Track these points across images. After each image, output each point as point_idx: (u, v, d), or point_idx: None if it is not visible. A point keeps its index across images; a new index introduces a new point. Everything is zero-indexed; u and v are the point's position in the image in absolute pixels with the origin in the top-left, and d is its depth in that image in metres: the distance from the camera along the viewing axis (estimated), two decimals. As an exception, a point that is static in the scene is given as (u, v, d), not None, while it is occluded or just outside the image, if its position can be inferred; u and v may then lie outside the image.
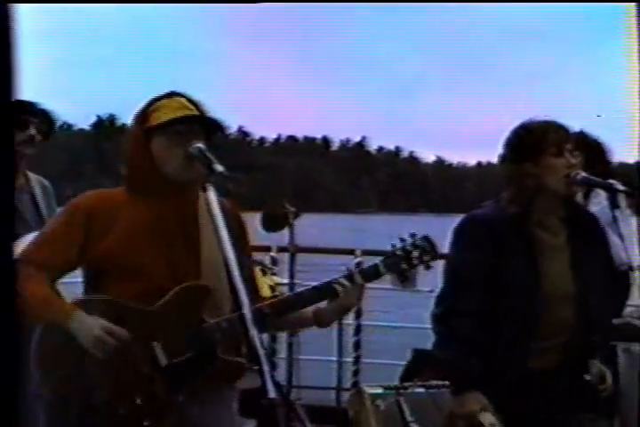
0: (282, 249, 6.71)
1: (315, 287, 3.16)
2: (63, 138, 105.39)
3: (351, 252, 7.21)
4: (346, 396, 5.61)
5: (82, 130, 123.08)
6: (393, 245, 3.19)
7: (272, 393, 2.46)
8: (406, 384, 5.12)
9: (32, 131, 4.35)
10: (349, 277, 3.16)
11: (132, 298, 2.97)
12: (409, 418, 4.78)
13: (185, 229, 3.10)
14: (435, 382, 4.88)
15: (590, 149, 4.76)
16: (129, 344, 2.91)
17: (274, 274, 6.02)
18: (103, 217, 3.02)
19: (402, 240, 3.19)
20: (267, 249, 7.00)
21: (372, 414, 4.86)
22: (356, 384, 6.72)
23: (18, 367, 1.43)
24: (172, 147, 3.03)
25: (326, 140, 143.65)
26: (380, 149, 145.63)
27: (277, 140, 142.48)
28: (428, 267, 3.21)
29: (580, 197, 3.64)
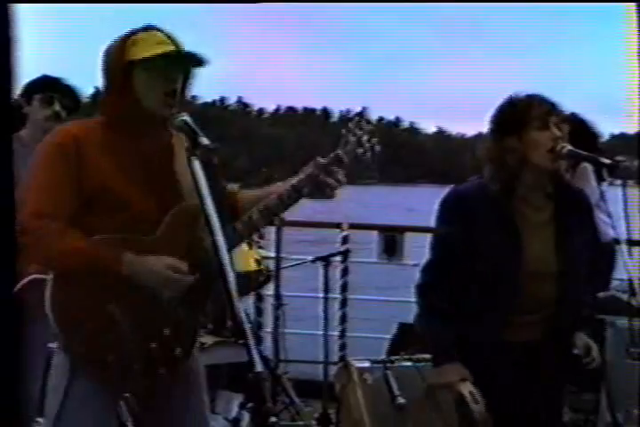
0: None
1: (292, 186, 3.11)
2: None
3: (337, 225, 7.21)
4: (333, 370, 5.62)
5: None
6: (344, 134, 3.16)
7: (259, 367, 2.45)
8: (393, 358, 5.14)
9: (57, 107, 4.45)
10: (318, 168, 3.12)
11: (122, 229, 2.97)
12: (396, 392, 4.79)
13: (165, 160, 3.11)
14: (421, 356, 4.90)
15: (574, 125, 4.76)
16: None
17: (260, 247, 6.01)
18: (89, 151, 2.97)
19: (348, 129, 3.16)
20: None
21: (359, 387, 4.87)
22: (343, 358, 6.74)
23: (18, 363, 1.41)
24: (154, 82, 3.01)
25: (326, 111, 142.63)
26: (380, 119, 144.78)
27: (276, 111, 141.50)
28: (373, 152, 3.19)
29: (590, 171, 3.62)
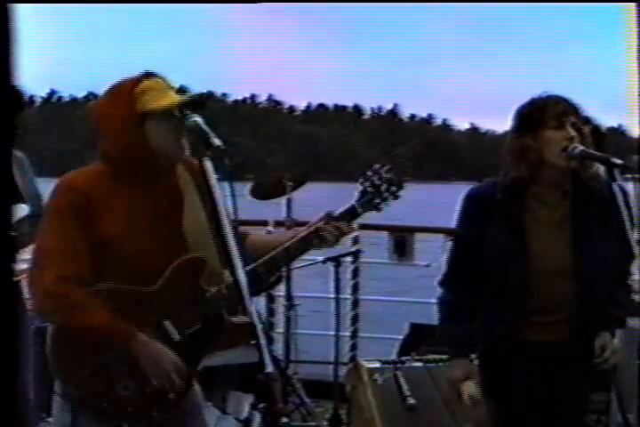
0: (278, 223, 6.71)
1: (301, 238, 3.14)
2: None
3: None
4: (343, 370, 5.62)
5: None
6: (361, 182, 3.18)
7: (269, 368, 2.46)
8: (404, 359, 5.14)
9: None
10: (326, 219, 3.15)
11: (131, 282, 2.98)
12: (407, 392, 4.80)
13: (170, 209, 3.10)
14: (432, 357, 4.90)
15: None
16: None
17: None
18: (97, 205, 2.97)
19: (366, 178, 3.18)
20: (263, 223, 7.00)
21: (369, 388, 4.87)
22: (353, 358, 6.74)
23: (17, 370, 1.42)
24: (171, 129, 3.00)
25: (358, 108, 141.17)
26: (413, 116, 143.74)
27: (308, 108, 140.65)
28: (396, 197, 3.21)
29: (602, 171, 3.59)
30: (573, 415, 3.59)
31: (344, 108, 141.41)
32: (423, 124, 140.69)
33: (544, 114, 3.36)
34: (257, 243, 3.27)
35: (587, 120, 3.56)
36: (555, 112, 3.36)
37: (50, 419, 4.72)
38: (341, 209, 3.18)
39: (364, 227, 7.28)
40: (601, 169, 5.50)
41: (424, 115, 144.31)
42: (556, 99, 3.40)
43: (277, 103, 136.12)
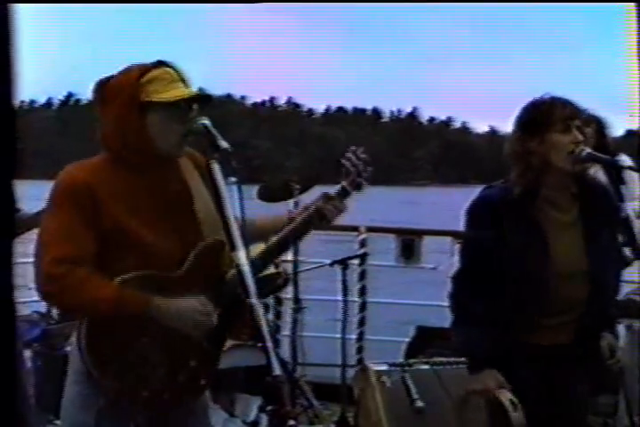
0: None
1: (295, 225, 3.18)
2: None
3: (355, 229, 7.21)
4: (351, 373, 5.62)
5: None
6: (343, 164, 3.26)
7: (277, 370, 2.47)
8: (411, 361, 5.14)
9: None
10: (324, 199, 3.22)
11: (141, 268, 2.98)
12: (414, 395, 4.80)
13: (179, 195, 3.10)
14: (440, 359, 4.90)
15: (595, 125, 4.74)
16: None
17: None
18: (101, 194, 2.95)
19: (347, 159, 3.26)
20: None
21: (377, 390, 4.87)
22: (360, 361, 6.74)
23: (15, 369, 1.42)
24: (172, 124, 2.98)
25: (377, 111, 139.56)
26: (432, 119, 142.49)
27: (326, 111, 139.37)
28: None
29: (601, 174, 3.61)
30: (576, 416, 3.59)
31: (363, 111, 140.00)
32: (442, 127, 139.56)
33: (550, 117, 3.35)
34: (260, 224, 3.28)
35: (590, 120, 3.56)
36: (561, 116, 3.34)
37: (57, 421, 4.74)
38: (334, 190, 3.25)
39: (371, 229, 7.30)
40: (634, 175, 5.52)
41: (443, 117, 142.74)
42: (563, 102, 3.39)
43: (297, 106, 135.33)
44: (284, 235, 3.16)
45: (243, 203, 2.73)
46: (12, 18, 1.34)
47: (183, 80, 3.05)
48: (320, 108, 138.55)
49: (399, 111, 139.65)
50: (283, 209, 6.17)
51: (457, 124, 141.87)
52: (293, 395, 5.59)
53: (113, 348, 2.95)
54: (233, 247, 2.67)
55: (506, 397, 3.33)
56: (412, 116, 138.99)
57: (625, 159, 3.73)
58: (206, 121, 2.91)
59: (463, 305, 3.52)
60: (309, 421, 5.69)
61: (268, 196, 5.99)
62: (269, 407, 5.03)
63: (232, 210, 2.74)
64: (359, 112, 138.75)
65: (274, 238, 3.16)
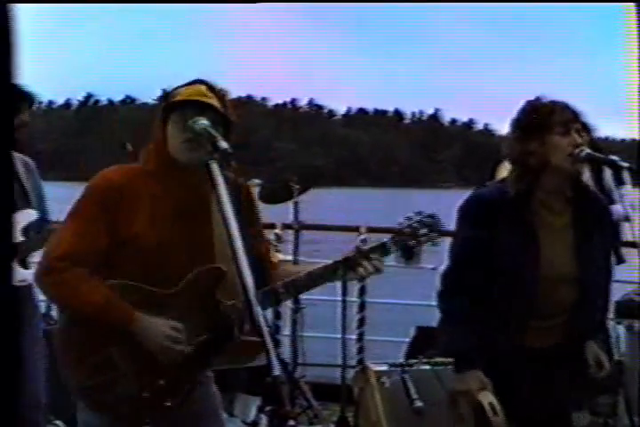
0: (286, 226, 6.72)
1: (325, 266, 3.13)
2: (125, 112, 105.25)
3: (356, 229, 7.21)
4: (351, 373, 5.62)
5: (145, 104, 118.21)
6: (400, 223, 3.17)
7: (277, 371, 2.47)
8: (411, 362, 5.14)
9: (26, 116, 4.37)
10: (359, 254, 3.12)
11: (150, 282, 3.00)
12: (414, 395, 4.79)
13: (197, 210, 3.11)
14: (440, 360, 4.90)
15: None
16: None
17: (278, 251, 6.03)
18: (128, 200, 3.01)
19: (408, 218, 3.17)
20: (271, 226, 7.00)
21: (377, 391, 4.87)
22: (360, 361, 6.74)
23: (17, 368, 1.42)
24: (174, 130, 3.06)
25: (398, 113, 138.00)
26: (454, 121, 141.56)
27: (347, 112, 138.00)
28: (434, 244, 3.19)
29: (588, 177, 3.62)
30: (565, 417, 3.61)
31: (384, 112, 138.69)
32: (464, 129, 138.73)
33: (551, 120, 3.36)
34: (285, 271, 3.27)
35: (586, 128, 3.57)
36: (562, 118, 3.37)
37: (57, 421, 4.75)
38: (371, 244, 3.17)
39: (371, 230, 7.29)
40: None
41: (465, 119, 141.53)
42: (563, 105, 3.41)
43: (319, 107, 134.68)
44: (298, 277, 3.11)
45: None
46: (12, 18, 1.34)
47: (212, 95, 3.09)
48: (341, 109, 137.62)
49: (421, 113, 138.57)
50: (282, 210, 6.19)
51: (479, 126, 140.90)
52: (293, 395, 5.60)
53: (81, 348, 3.00)
54: (233, 248, 2.67)
55: (487, 399, 3.34)
56: (434, 117, 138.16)
57: (620, 160, 3.73)
58: (205, 121, 2.92)
59: (450, 304, 3.54)
60: (309, 421, 5.70)
61: (268, 197, 5.99)
62: (269, 408, 5.04)
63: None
64: (380, 113, 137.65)
65: (285, 279, 3.11)
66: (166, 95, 3.15)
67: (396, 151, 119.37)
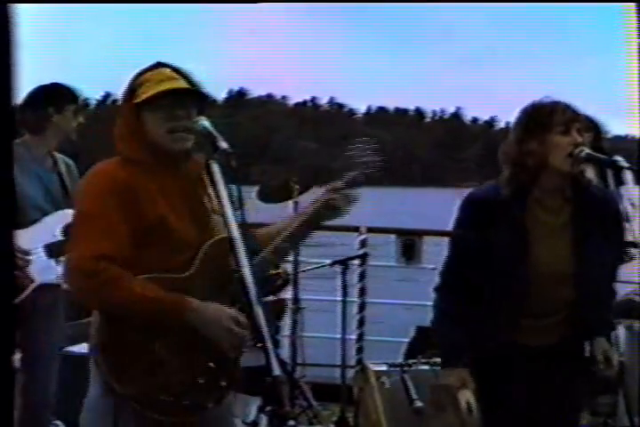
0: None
1: (305, 218, 3.17)
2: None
3: (356, 229, 7.21)
4: (350, 373, 5.62)
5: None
6: (351, 157, 3.25)
7: (276, 371, 2.46)
8: (411, 362, 5.15)
9: (81, 119, 4.54)
10: (331, 190, 3.20)
11: (170, 266, 2.98)
12: (414, 395, 4.80)
13: (194, 195, 3.11)
14: (439, 360, 4.90)
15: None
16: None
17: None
18: (137, 190, 2.99)
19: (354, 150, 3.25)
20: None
21: (376, 390, 4.88)
22: (360, 361, 6.74)
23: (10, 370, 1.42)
24: (158, 121, 3.04)
25: (419, 111, 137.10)
26: (475, 120, 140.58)
27: (368, 111, 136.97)
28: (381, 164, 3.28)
29: (593, 176, 3.61)
30: (563, 416, 3.60)
31: (405, 111, 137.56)
32: (486, 128, 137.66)
33: (552, 119, 3.37)
34: (265, 234, 3.26)
35: (589, 125, 3.57)
36: (563, 118, 3.37)
37: (57, 421, 4.74)
38: (342, 180, 3.22)
39: (371, 230, 7.30)
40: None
41: (486, 118, 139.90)
42: (564, 105, 3.41)
43: (340, 106, 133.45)
44: (296, 228, 3.14)
45: (243, 203, 2.73)
46: (12, 18, 1.34)
47: (179, 78, 3.10)
48: (361, 108, 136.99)
49: (442, 111, 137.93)
50: (281, 211, 6.19)
51: (501, 125, 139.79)
52: (293, 395, 5.59)
53: (127, 350, 2.91)
54: (232, 248, 2.67)
55: (464, 397, 3.36)
56: (456, 116, 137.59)
57: (620, 160, 3.72)
58: (206, 122, 2.92)
59: (444, 301, 3.56)
60: (309, 421, 5.69)
61: (267, 197, 5.99)
62: (269, 408, 5.03)
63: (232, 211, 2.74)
64: (401, 112, 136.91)
65: (285, 233, 3.13)
66: (132, 83, 3.10)
67: (417, 150, 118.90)
